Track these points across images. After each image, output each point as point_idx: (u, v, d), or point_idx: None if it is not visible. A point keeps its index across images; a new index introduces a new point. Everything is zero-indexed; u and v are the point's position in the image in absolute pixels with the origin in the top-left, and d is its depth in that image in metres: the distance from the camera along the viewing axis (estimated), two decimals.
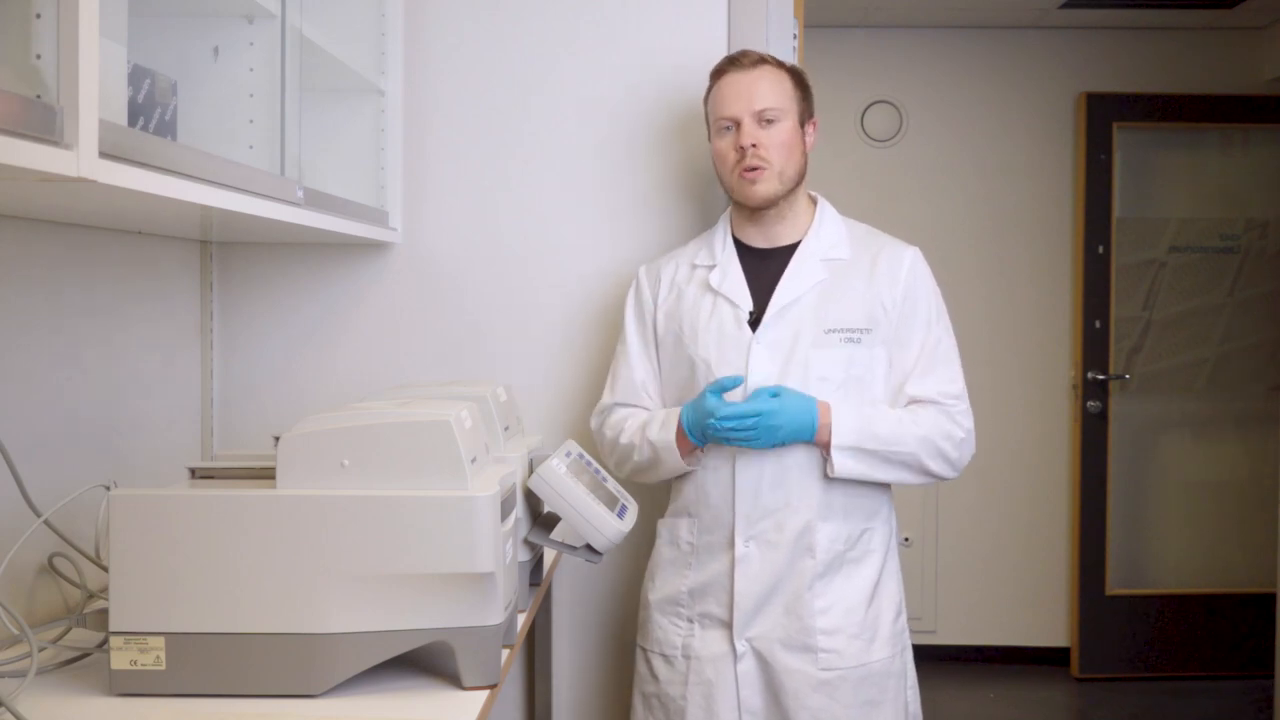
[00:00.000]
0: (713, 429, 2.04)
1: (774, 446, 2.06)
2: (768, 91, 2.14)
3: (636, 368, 2.25)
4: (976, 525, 5.11)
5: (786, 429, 2.04)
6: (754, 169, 2.13)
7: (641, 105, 2.52)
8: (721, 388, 2.06)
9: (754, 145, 2.12)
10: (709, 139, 2.23)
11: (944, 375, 2.16)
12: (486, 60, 2.51)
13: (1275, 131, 5.05)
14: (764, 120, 2.13)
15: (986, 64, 5.10)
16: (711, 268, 2.22)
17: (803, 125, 2.19)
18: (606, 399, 2.29)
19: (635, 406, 2.24)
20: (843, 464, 2.07)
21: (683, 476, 2.21)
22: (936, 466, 2.13)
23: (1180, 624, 4.99)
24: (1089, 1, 4.69)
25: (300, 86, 1.91)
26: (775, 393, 2.05)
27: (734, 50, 2.44)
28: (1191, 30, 5.04)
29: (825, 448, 2.09)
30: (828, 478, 2.11)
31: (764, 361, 2.11)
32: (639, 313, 2.28)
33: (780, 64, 2.20)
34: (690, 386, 2.18)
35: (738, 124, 2.14)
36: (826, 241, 2.20)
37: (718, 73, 2.20)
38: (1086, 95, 4.98)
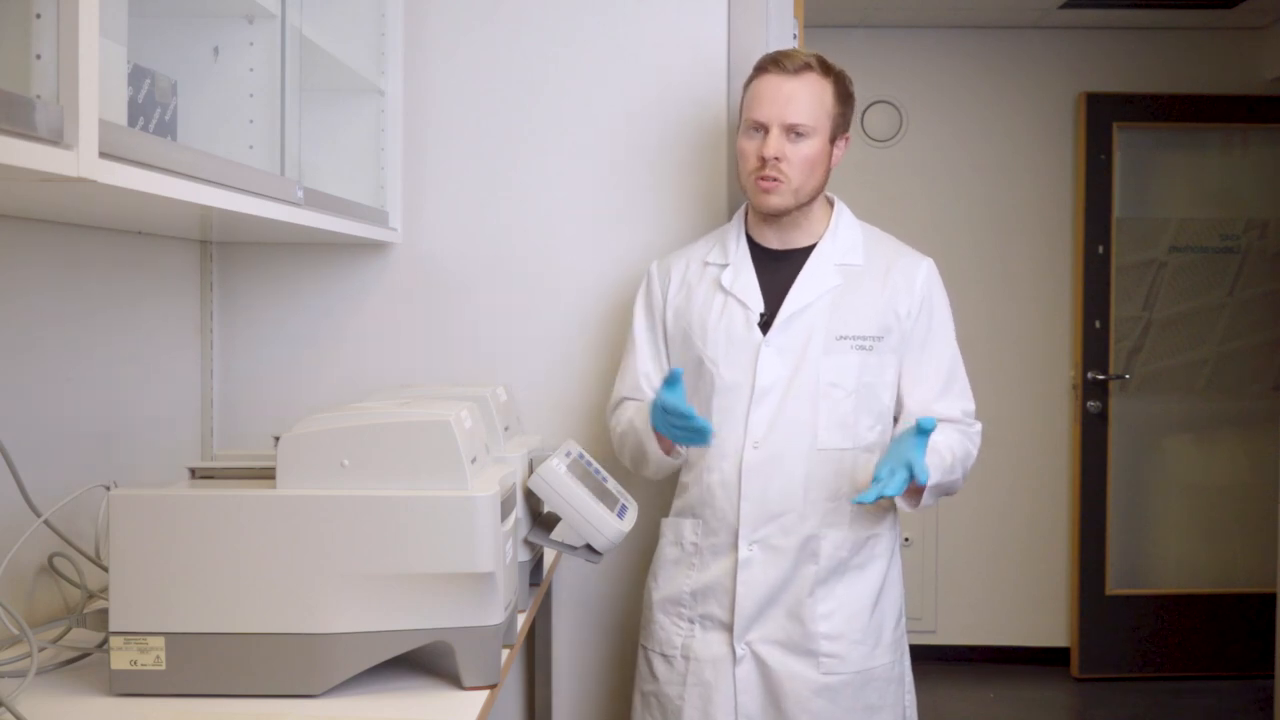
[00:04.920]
0: (657, 421, 2.01)
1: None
2: (803, 105, 2.07)
3: (642, 362, 2.25)
4: (976, 525, 5.10)
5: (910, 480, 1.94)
6: (771, 180, 2.08)
7: (641, 105, 2.51)
8: (672, 380, 1.96)
9: (776, 158, 2.07)
10: (738, 129, 2.17)
11: (961, 392, 2.16)
12: (486, 60, 2.51)
13: (1275, 131, 5.04)
14: (793, 134, 2.07)
15: (986, 64, 5.10)
16: (724, 266, 2.19)
17: (834, 140, 2.13)
18: (616, 393, 2.29)
19: (641, 401, 2.23)
20: (925, 500, 2.04)
21: (687, 475, 2.20)
22: (959, 485, 2.14)
23: (1180, 624, 4.99)
24: (1089, 1, 4.69)
25: (300, 86, 1.90)
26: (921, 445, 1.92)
27: (734, 52, 2.43)
28: (1191, 30, 5.04)
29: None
30: (852, 502, 2.06)
31: (774, 366, 2.10)
32: (648, 308, 2.26)
33: (827, 69, 2.11)
34: (697, 385, 2.16)
35: (766, 130, 2.08)
36: (842, 246, 2.17)
37: (760, 69, 2.12)
38: (1086, 95, 4.98)
